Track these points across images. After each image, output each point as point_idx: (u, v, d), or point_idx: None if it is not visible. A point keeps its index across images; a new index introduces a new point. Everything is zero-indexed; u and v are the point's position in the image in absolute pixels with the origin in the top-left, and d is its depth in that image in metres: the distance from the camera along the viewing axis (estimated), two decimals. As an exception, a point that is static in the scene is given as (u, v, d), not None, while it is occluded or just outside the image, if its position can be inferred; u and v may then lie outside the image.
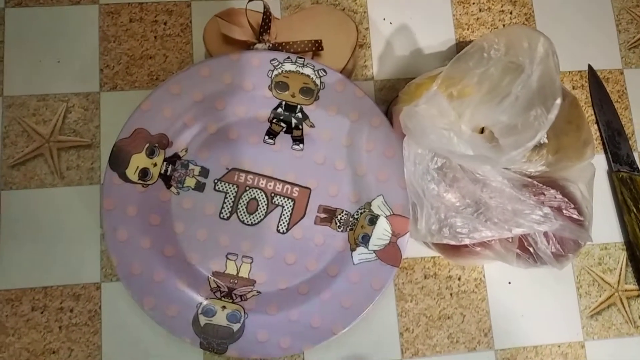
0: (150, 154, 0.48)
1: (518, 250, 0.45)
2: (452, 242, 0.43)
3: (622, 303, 0.54)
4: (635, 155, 0.57)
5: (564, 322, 0.53)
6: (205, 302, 0.47)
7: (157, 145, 0.48)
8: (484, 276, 0.53)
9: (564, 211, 0.45)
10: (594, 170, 0.48)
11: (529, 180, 0.45)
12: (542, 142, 0.45)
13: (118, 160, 0.47)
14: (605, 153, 0.57)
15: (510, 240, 0.45)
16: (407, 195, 0.48)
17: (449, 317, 0.52)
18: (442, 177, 0.43)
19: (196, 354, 0.49)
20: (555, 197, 0.45)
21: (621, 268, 0.55)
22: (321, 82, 0.50)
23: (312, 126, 0.51)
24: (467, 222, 0.43)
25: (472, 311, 0.52)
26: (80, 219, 0.50)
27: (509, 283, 0.53)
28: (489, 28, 0.58)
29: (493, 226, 0.42)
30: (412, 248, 0.52)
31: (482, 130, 0.47)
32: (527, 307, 0.53)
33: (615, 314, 0.54)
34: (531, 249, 0.45)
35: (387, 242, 0.49)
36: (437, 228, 0.43)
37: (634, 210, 0.54)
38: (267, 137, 0.51)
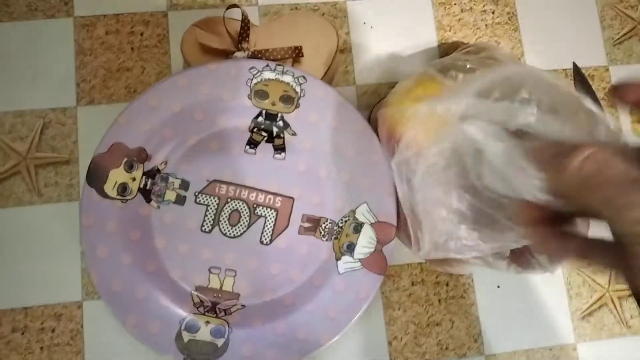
0: (129, 168, 0.47)
1: (509, 258, 0.44)
2: (458, 256, 0.41)
3: (614, 303, 0.53)
4: (623, 153, 0.56)
5: (555, 325, 0.53)
6: (188, 318, 0.46)
7: (135, 159, 0.47)
8: (472, 281, 0.52)
9: None
10: None
11: None
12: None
13: (96, 176, 0.46)
14: (593, 152, 0.56)
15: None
16: (392, 202, 0.48)
17: (437, 324, 0.51)
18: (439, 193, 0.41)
19: (182, 370, 0.48)
20: None
21: (612, 268, 0.54)
22: (301, 90, 0.49)
23: (294, 134, 0.50)
24: (470, 234, 0.41)
25: (461, 317, 0.52)
26: (60, 236, 0.49)
27: (498, 287, 0.53)
28: (471, 29, 0.57)
29: (499, 236, 0.40)
30: (398, 255, 0.52)
31: None
32: (517, 310, 0.52)
33: (607, 314, 0.53)
34: (523, 257, 0.44)
35: (373, 250, 0.48)
36: (441, 242, 0.41)
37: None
38: (248, 147, 0.50)
